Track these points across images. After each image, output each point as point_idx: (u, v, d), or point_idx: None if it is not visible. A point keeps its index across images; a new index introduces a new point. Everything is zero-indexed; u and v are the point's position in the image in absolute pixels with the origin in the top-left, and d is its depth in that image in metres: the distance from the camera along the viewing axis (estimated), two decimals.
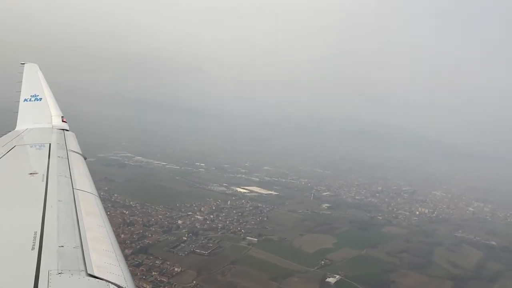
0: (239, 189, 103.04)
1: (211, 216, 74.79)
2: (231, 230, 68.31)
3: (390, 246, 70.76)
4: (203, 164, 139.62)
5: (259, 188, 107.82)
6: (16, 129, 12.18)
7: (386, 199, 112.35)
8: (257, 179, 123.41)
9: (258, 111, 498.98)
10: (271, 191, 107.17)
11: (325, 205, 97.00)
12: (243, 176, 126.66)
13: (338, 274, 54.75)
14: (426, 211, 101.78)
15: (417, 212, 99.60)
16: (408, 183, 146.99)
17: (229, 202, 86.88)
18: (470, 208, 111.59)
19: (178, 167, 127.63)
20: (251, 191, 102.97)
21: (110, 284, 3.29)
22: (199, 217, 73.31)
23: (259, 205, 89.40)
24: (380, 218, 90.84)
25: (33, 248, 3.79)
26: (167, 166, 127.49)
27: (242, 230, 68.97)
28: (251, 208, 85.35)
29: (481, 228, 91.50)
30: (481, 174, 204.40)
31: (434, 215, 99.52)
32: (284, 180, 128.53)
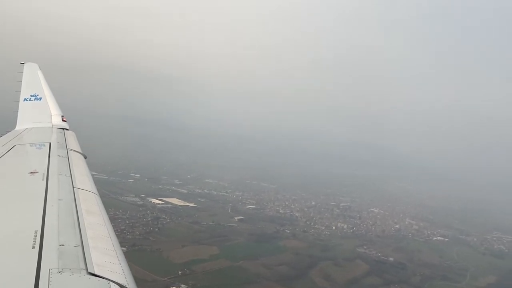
0: (154, 200, 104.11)
1: None
2: None
3: (273, 258, 72.18)
4: (138, 175, 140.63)
5: (178, 200, 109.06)
6: (16, 129, 12.63)
7: (312, 214, 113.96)
8: (186, 191, 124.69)
9: (237, 123, 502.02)
10: (191, 203, 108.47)
11: (237, 218, 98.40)
12: (173, 187, 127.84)
13: (186, 285, 55.99)
14: (345, 226, 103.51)
15: (334, 228, 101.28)
16: (352, 200, 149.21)
17: (128, 212, 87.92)
18: (397, 226, 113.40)
19: (106, 177, 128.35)
20: (167, 203, 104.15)
21: (111, 282, 3.40)
22: None
23: (163, 216, 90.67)
24: (288, 231, 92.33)
25: (33, 247, 3.88)
26: (95, 176, 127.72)
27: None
28: (149, 219, 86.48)
29: (392, 244, 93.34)
30: (442, 194, 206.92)
31: (351, 231, 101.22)
32: (216, 193, 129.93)
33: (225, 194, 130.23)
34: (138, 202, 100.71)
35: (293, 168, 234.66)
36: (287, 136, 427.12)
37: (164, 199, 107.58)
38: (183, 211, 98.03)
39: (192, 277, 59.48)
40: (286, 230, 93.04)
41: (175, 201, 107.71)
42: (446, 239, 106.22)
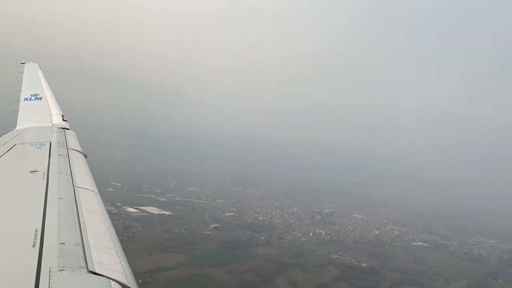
0: (129, 209, 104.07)
1: None
2: None
3: (241, 265, 72.08)
4: (119, 184, 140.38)
5: (155, 209, 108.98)
6: (16, 128, 12.84)
7: (291, 221, 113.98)
8: (165, 199, 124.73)
9: (228, 129, 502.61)
10: (168, 211, 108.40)
11: (212, 226, 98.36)
12: (152, 196, 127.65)
13: None
14: (323, 232, 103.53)
15: (311, 234, 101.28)
16: (337, 206, 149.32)
17: None
18: (377, 231, 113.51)
19: None
20: (142, 211, 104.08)
21: (111, 280, 3.42)
22: None
23: (136, 224, 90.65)
24: (263, 238, 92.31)
25: (34, 245, 3.92)
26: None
27: None
28: (120, 228, 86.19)
29: (368, 250, 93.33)
30: (430, 199, 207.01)
31: (328, 237, 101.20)
32: (196, 201, 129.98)
33: (206, 202, 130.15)
34: (113, 211, 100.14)
35: (280, 174, 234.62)
36: (277, 141, 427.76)
37: (140, 207, 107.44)
38: (157, 220, 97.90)
39: (152, 285, 59.36)
40: (261, 237, 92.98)
41: (152, 209, 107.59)
42: (426, 244, 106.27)
